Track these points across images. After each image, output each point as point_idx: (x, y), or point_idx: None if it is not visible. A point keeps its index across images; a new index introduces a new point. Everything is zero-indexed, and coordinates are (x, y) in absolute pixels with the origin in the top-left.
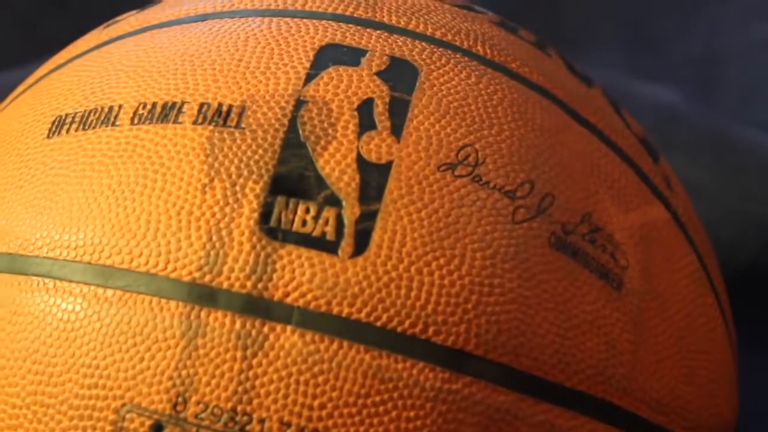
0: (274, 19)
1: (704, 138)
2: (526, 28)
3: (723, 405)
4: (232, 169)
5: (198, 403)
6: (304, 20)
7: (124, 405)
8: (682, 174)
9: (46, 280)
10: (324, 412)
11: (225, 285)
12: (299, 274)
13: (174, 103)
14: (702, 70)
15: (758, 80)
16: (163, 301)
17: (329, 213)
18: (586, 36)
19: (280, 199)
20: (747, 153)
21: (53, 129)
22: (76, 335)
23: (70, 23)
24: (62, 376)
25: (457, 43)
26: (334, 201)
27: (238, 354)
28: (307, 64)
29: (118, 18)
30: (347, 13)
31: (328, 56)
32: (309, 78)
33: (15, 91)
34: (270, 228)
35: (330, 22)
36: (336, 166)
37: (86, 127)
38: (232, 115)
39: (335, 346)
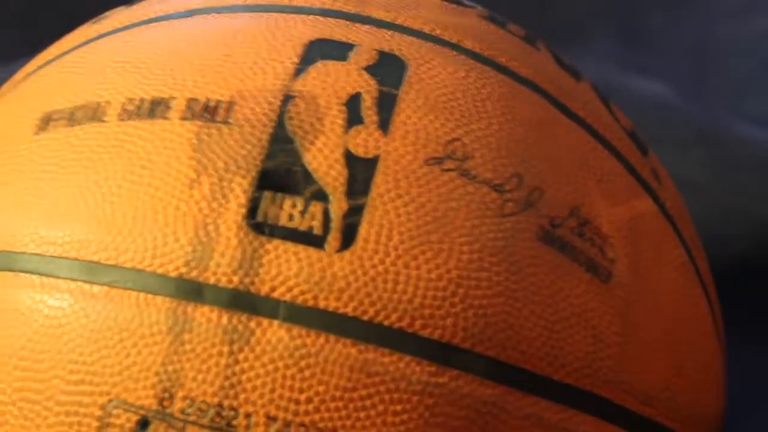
0: (263, 15)
1: (696, 132)
2: (518, 22)
3: (711, 398)
4: (220, 164)
5: (184, 398)
6: (292, 15)
7: (110, 401)
8: (673, 169)
9: (33, 277)
10: (311, 407)
11: (212, 280)
12: (286, 269)
13: (162, 99)
14: (694, 64)
15: (751, 74)
16: (150, 296)
17: (316, 207)
18: (578, 30)
19: (267, 194)
20: (739, 147)
21: (41, 125)
22: (63, 332)
23: (59, 19)
24: (49, 372)
25: (446, 38)
26: (321, 195)
27: (225, 349)
28: (295, 59)
29: (106, 14)
30: (335, 8)
31: (316, 51)
32: (297, 73)
33: (3, 87)
34: (257, 223)
35: (318, 17)
36: (323, 160)
37: (74, 124)
38: (220, 110)
39: (322, 340)
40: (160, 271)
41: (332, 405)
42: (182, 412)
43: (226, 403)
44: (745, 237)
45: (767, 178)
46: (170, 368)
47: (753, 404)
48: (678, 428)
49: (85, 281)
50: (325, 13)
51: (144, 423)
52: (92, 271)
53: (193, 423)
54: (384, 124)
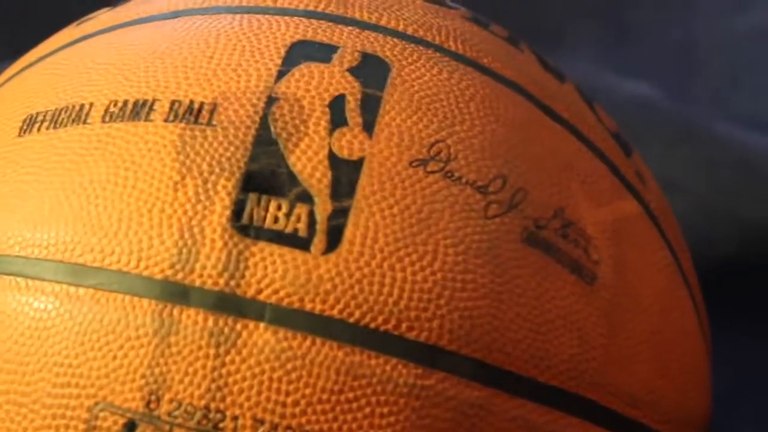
0: (246, 16)
1: (680, 132)
2: (503, 23)
3: (697, 398)
4: (204, 166)
5: (171, 401)
6: (276, 17)
7: (97, 404)
8: (657, 168)
9: (18, 279)
10: (297, 409)
11: (197, 282)
12: (272, 271)
13: (145, 101)
14: (679, 64)
15: (735, 74)
16: (136, 299)
17: (301, 210)
18: (562, 30)
19: (252, 196)
20: (722, 147)
21: (24, 127)
22: (49, 334)
23: (43, 21)
24: (35, 375)
25: (429, 39)
26: (306, 198)
27: (211, 351)
28: (279, 61)
29: (90, 15)
30: (318, 10)
31: (300, 53)
32: (280, 75)
33: None
34: (242, 225)
35: (301, 18)
36: (308, 162)
37: (57, 126)
38: (204, 112)
39: (308, 342)
40: (145, 273)
41: (319, 408)
42: (169, 414)
43: (213, 405)
44: (729, 237)
45: (751, 178)
46: (157, 371)
47: (739, 403)
48: (664, 430)
49: (70, 284)
50: (309, 14)
51: (131, 426)
52: (77, 273)
53: (180, 426)
54: (368, 126)
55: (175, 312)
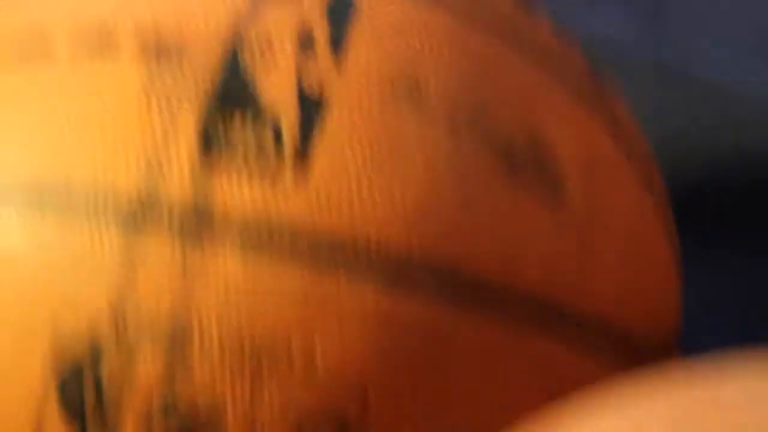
0: None
1: (652, 67)
2: None
3: (665, 319)
4: (171, 97)
5: (137, 325)
6: None
7: (63, 328)
8: (627, 101)
9: None
10: (264, 332)
11: (164, 208)
12: (239, 198)
13: (111, 33)
14: (651, 3)
15: (708, 13)
16: (102, 224)
17: (270, 139)
18: None
19: (219, 126)
20: (694, 82)
21: None
22: (13, 260)
23: None
24: None
25: None
26: (275, 128)
27: (178, 276)
28: None
29: None
30: None
31: None
32: (249, 8)
33: None
34: (210, 153)
35: None
36: (277, 94)
37: (22, 60)
38: (172, 44)
39: (275, 268)
40: (112, 200)
41: (284, 331)
42: (135, 338)
43: (179, 328)
44: (696, 164)
45: (725, 109)
46: (122, 295)
47: (707, 324)
48: (635, 343)
49: (36, 210)
50: None
51: (96, 349)
52: (43, 200)
53: (146, 349)
54: (337, 59)
55: (142, 237)
